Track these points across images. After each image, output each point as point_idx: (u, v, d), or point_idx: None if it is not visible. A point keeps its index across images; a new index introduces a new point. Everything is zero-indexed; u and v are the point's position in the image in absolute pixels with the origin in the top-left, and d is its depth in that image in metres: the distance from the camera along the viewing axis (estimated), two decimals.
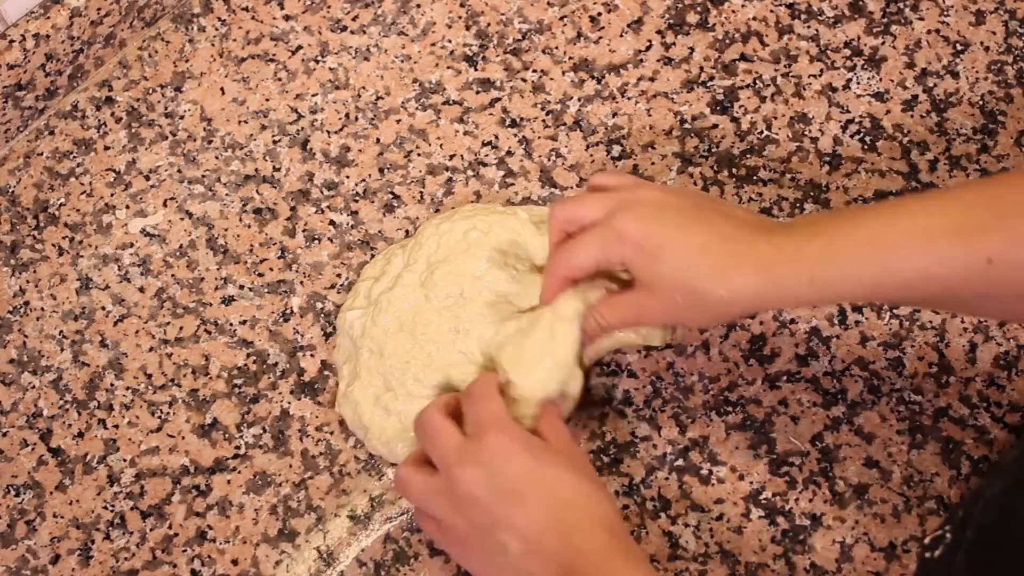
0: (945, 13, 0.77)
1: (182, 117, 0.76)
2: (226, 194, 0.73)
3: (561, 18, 0.77)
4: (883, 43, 0.76)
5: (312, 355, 0.68)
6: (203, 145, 0.75)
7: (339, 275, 0.70)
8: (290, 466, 0.65)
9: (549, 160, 0.73)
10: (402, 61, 0.77)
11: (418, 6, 0.78)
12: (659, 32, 0.77)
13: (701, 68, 0.75)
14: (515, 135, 0.74)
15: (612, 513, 0.54)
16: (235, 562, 0.63)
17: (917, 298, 0.56)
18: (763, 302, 0.55)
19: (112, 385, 0.68)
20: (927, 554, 0.59)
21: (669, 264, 0.54)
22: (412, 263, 0.66)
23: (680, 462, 0.64)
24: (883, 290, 0.52)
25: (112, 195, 0.73)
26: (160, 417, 0.67)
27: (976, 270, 0.49)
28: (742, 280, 0.53)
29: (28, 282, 0.71)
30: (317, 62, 0.77)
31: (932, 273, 0.49)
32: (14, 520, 0.65)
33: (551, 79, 0.75)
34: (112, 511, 0.65)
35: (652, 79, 0.75)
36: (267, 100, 0.76)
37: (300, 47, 0.78)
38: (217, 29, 0.79)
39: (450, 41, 0.77)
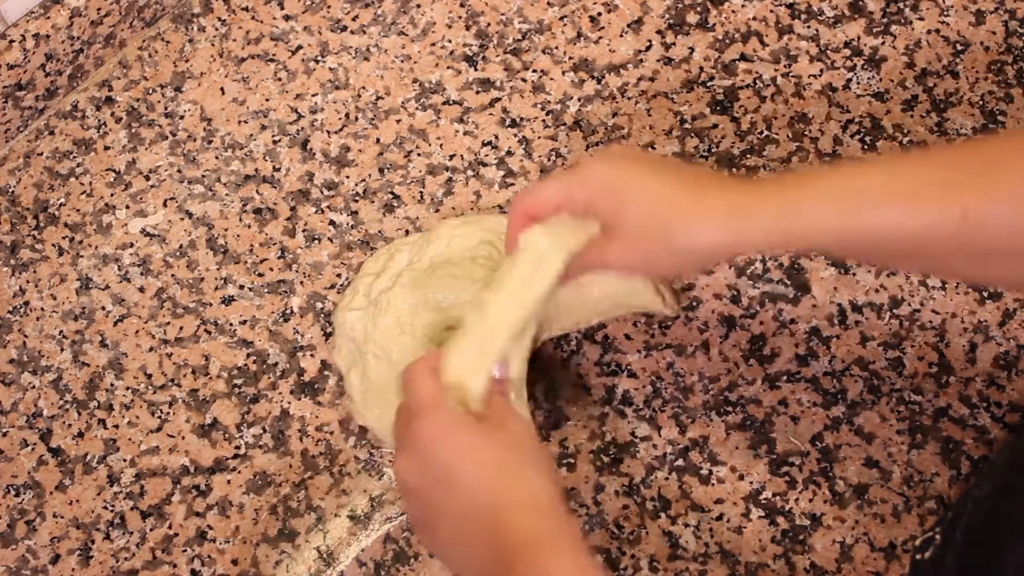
0: (945, 13, 0.77)
1: (182, 117, 0.76)
2: (226, 194, 0.73)
3: (561, 18, 0.77)
4: (883, 43, 0.76)
5: (312, 355, 0.68)
6: (203, 145, 0.75)
7: (339, 275, 0.70)
8: (290, 466, 0.65)
9: (549, 160, 0.73)
10: (402, 61, 0.77)
11: (418, 6, 0.78)
12: (659, 32, 0.77)
13: (701, 68, 0.75)
14: (515, 135, 0.74)
15: (542, 492, 0.50)
16: (235, 562, 0.63)
17: (888, 252, 0.53)
18: (729, 246, 0.53)
19: (112, 385, 0.68)
20: (918, 556, 0.59)
21: (635, 207, 0.53)
22: (416, 261, 0.65)
23: (680, 462, 0.64)
24: (853, 240, 0.51)
25: (112, 195, 0.73)
26: (160, 417, 0.67)
27: (950, 223, 0.47)
28: (708, 222, 0.52)
29: (28, 282, 0.71)
30: (317, 62, 0.77)
31: (905, 225, 0.48)
32: (14, 520, 0.65)
33: (551, 79, 0.75)
34: (112, 511, 0.65)
35: (652, 79, 0.75)
36: (267, 100, 0.76)
37: (300, 47, 0.78)
38: (217, 29, 0.79)
39: (450, 41, 0.77)
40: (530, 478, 0.51)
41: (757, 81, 0.75)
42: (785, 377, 0.66)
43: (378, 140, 0.74)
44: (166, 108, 0.76)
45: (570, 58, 0.76)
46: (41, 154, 0.75)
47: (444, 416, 0.52)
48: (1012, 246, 0.48)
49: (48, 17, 0.72)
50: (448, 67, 0.76)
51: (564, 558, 0.48)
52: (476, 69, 0.76)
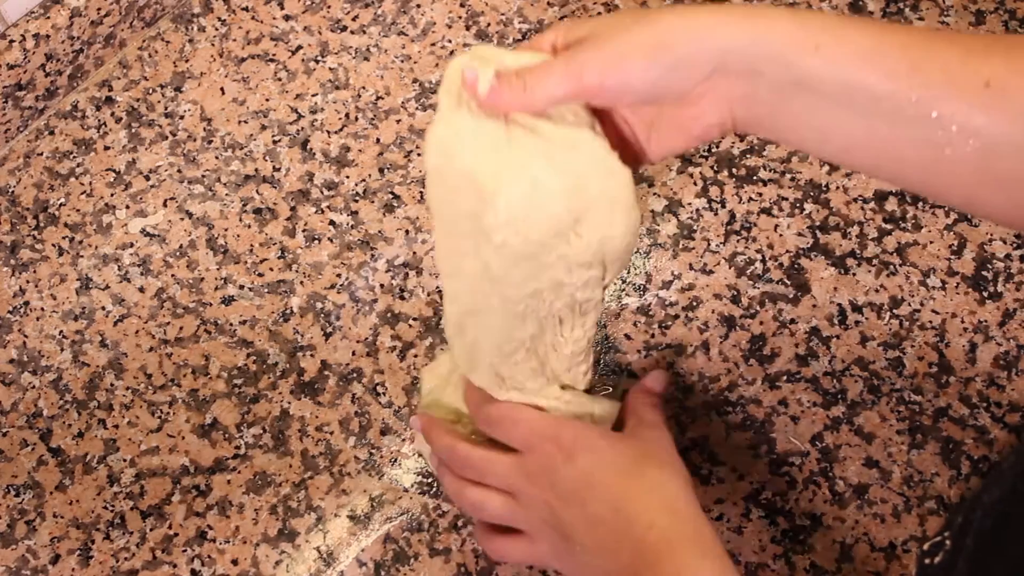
0: (945, 13, 0.77)
1: (182, 117, 0.76)
2: (226, 194, 0.73)
3: (561, 18, 0.77)
4: None
5: (312, 355, 0.68)
6: (203, 145, 0.75)
7: (339, 275, 0.70)
8: (290, 466, 0.65)
9: None
10: (402, 61, 0.77)
11: (418, 6, 0.78)
12: None
13: None
14: None
15: (676, 494, 0.50)
16: (235, 562, 0.63)
17: (907, 117, 0.45)
18: (741, 47, 0.45)
19: (112, 385, 0.68)
20: (926, 560, 0.59)
21: (620, 16, 0.46)
22: None
23: None
24: (873, 87, 0.44)
25: (112, 195, 0.73)
26: (160, 417, 0.67)
27: (972, 91, 0.43)
28: (714, 14, 0.45)
29: (28, 282, 0.71)
30: (317, 62, 0.77)
31: (929, 83, 0.43)
32: (14, 520, 0.65)
33: None
34: (112, 511, 0.65)
35: None
36: (267, 100, 0.76)
37: (300, 47, 0.78)
38: (217, 29, 0.79)
39: (450, 41, 0.77)
40: (663, 481, 0.51)
41: None
42: (785, 377, 0.66)
43: (378, 140, 0.74)
44: (166, 108, 0.76)
45: None
46: (41, 154, 0.75)
47: (564, 436, 0.52)
48: None
49: (48, 17, 0.72)
50: None
51: (705, 562, 0.48)
52: None
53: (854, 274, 0.69)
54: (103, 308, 0.70)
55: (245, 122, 0.75)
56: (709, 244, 0.70)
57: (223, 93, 0.76)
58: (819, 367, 0.66)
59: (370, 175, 0.73)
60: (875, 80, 0.44)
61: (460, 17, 0.78)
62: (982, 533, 0.56)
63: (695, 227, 0.70)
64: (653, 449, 0.53)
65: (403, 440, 0.66)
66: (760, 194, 0.71)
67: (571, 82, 0.46)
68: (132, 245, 0.72)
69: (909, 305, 0.68)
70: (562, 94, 0.46)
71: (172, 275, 0.71)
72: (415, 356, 0.68)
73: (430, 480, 0.65)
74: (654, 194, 0.72)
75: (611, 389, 0.64)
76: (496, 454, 0.55)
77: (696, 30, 0.45)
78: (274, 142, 0.75)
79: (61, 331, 0.70)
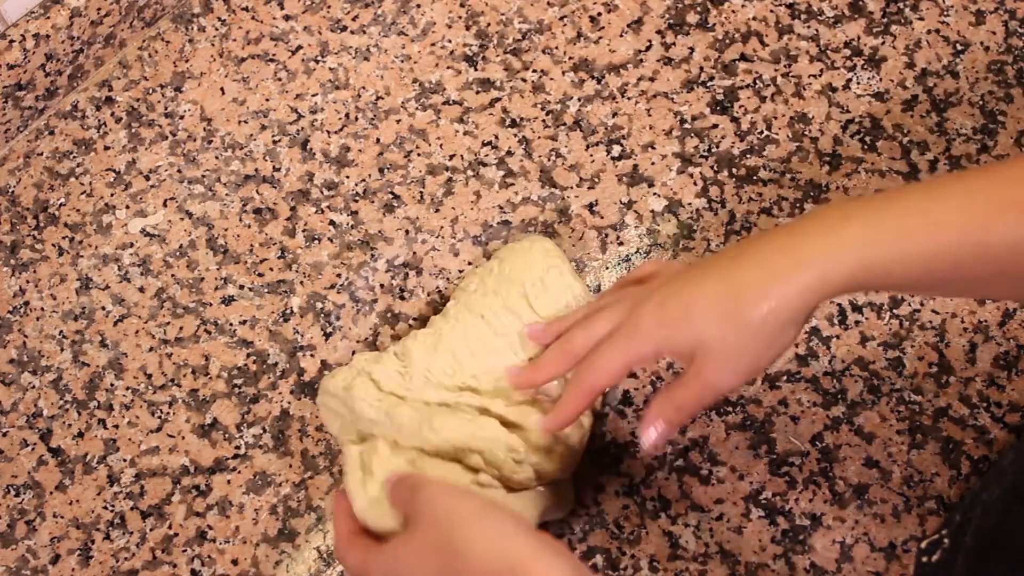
0: (945, 13, 0.77)
1: (182, 117, 0.76)
2: (226, 194, 0.73)
3: (561, 18, 0.77)
4: (883, 43, 0.76)
5: (312, 355, 0.68)
6: (203, 145, 0.75)
7: (339, 275, 0.70)
8: (290, 466, 0.65)
9: (549, 160, 0.73)
10: (402, 61, 0.77)
11: (418, 6, 0.78)
12: (659, 32, 0.77)
13: (701, 68, 0.75)
14: (515, 135, 0.74)
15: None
16: (235, 562, 0.63)
17: (970, 277, 0.49)
18: (813, 298, 0.48)
19: (112, 385, 0.68)
20: (924, 558, 0.59)
21: (701, 316, 0.50)
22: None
23: (680, 462, 0.64)
24: (936, 270, 0.48)
25: (112, 195, 0.73)
26: (160, 417, 0.67)
27: None
28: (784, 282, 0.48)
29: (28, 282, 0.71)
30: (317, 62, 0.77)
31: (988, 245, 0.47)
32: (14, 520, 0.65)
33: (551, 79, 0.75)
34: (112, 511, 0.65)
35: (652, 79, 0.75)
36: (267, 100, 0.76)
37: (300, 47, 0.78)
38: (217, 29, 0.79)
39: (450, 41, 0.77)
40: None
41: (757, 81, 0.75)
42: (785, 377, 0.66)
43: (378, 140, 0.74)
44: (166, 108, 0.76)
45: (570, 58, 0.76)
46: (41, 154, 0.75)
47: (354, 556, 0.54)
48: None
49: (48, 17, 0.72)
50: (448, 67, 0.76)
51: None
52: (476, 69, 0.76)
53: None
54: (103, 308, 0.70)
55: (245, 122, 0.75)
56: (709, 244, 0.70)
57: (223, 93, 0.76)
58: (819, 367, 0.66)
59: (370, 175, 0.73)
60: (944, 274, 0.48)
61: (460, 17, 0.78)
62: (982, 530, 0.56)
63: (695, 227, 0.70)
64: (436, 537, 0.50)
65: None
66: (760, 194, 0.71)
67: (704, 391, 0.52)
68: (132, 245, 0.72)
69: (909, 305, 0.68)
70: (702, 401, 0.53)
71: (172, 275, 0.71)
72: None
73: None
74: (654, 194, 0.72)
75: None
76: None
77: (769, 317, 0.49)
78: (274, 142, 0.75)
79: (61, 331, 0.70)
